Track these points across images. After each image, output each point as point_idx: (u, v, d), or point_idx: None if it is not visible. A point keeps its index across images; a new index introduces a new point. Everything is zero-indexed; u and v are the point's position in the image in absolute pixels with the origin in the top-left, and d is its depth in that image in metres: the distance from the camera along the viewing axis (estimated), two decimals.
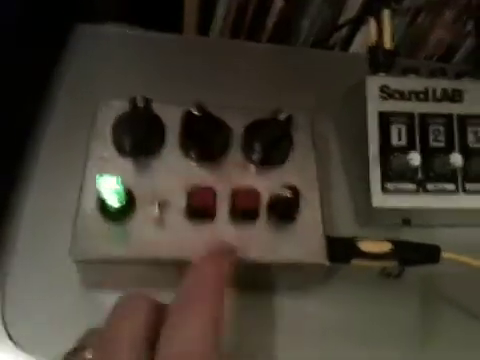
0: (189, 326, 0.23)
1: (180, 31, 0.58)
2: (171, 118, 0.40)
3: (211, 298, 0.26)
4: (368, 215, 0.43)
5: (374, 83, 0.44)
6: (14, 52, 0.45)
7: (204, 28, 0.59)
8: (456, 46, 0.62)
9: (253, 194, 0.37)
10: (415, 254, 0.39)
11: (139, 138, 0.38)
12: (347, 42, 0.62)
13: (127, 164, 0.38)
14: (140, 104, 0.38)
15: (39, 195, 0.42)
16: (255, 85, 0.53)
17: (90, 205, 0.35)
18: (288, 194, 0.36)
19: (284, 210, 0.37)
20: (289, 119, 0.40)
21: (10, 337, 0.35)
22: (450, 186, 0.42)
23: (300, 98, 0.48)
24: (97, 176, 0.31)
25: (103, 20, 0.55)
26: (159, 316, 0.24)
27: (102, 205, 0.35)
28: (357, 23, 0.60)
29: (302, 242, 0.37)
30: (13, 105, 0.42)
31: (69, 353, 0.25)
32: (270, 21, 0.59)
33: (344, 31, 0.61)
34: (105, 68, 0.50)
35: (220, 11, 0.59)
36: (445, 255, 0.39)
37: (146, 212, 0.36)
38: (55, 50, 0.50)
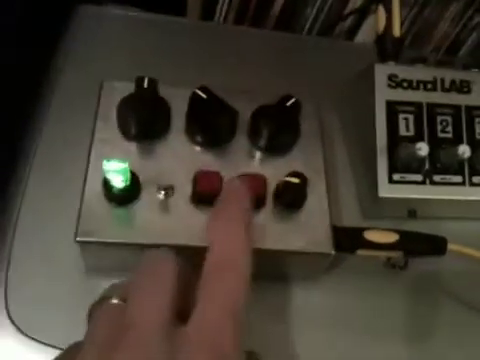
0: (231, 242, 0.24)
1: (184, 15, 0.57)
2: (177, 101, 0.39)
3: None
4: (373, 206, 0.43)
5: (382, 71, 0.43)
6: (17, 34, 0.44)
7: (208, 12, 0.58)
8: (462, 40, 0.62)
9: (260, 181, 0.37)
10: (421, 245, 0.38)
11: (144, 121, 0.37)
12: (352, 31, 0.61)
13: (132, 147, 0.37)
14: (146, 85, 0.37)
15: (41, 178, 0.41)
16: (258, 72, 0.52)
17: (95, 188, 0.34)
18: (296, 181, 0.36)
19: (291, 198, 0.36)
20: (297, 105, 0.39)
21: (13, 322, 0.34)
22: (457, 178, 0.42)
23: (304, 86, 0.47)
24: (104, 161, 0.31)
25: (106, 2, 0.54)
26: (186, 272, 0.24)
27: (107, 188, 0.34)
28: (363, 12, 0.59)
29: (308, 231, 0.37)
30: (16, 86, 0.41)
31: (94, 303, 0.24)
32: (275, 8, 0.58)
33: (350, 20, 0.60)
34: (107, 49, 0.49)
35: None
36: (451, 247, 0.38)
37: (151, 197, 0.35)
38: (57, 30, 0.49)
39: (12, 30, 0.44)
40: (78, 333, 0.23)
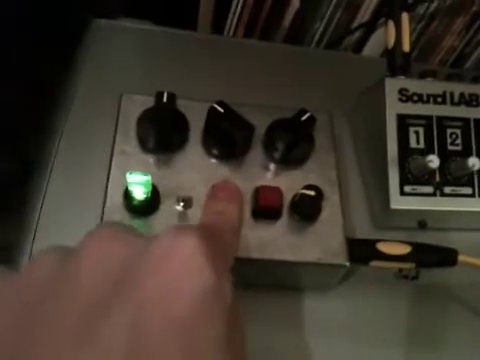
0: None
1: (195, 28, 0.58)
2: (194, 114, 0.40)
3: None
4: (385, 217, 0.44)
5: (393, 85, 0.44)
6: (33, 49, 0.45)
7: (219, 26, 0.59)
8: (468, 53, 0.63)
9: (276, 193, 0.38)
10: (433, 257, 0.39)
11: (164, 134, 0.38)
12: (360, 45, 0.62)
13: (150, 160, 0.38)
14: (165, 99, 0.38)
15: (59, 191, 0.41)
16: (268, 85, 0.53)
17: (116, 199, 0.35)
18: (312, 194, 0.37)
19: (307, 210, 0.37)
20: (311, 119, 0.40)
21: None
22: (467, 190, 0.43)
23: (314, 99, 0.48)
24: (127, 174, 0.31)
25: (119, 16, 0.55)
26: None
27: (128, 200, 0.34)
28: (370, 26, 0.60)
29: (323, 242, 0.37)
30: (33, 102, 0.42)
31: None
32: (285, 22, 0.59)
33: (357, 34, 0.61)
34: (121, 63, 0.50)
35: (235, 10, 0.59)
36: (462, 258, 0.39)
37: (170, 208, 0.36)
38: (73, 45, 0.50)
39: (28, 45, 0.45)
40: None
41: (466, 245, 0.40)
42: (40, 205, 0.40)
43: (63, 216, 0.40)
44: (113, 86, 0.44)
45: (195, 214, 0.36)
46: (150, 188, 0.34)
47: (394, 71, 0.45)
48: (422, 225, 0.44)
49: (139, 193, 0.34)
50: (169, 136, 0.38)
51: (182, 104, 0.39)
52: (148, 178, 0.32)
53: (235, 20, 0.59)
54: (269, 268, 0.37)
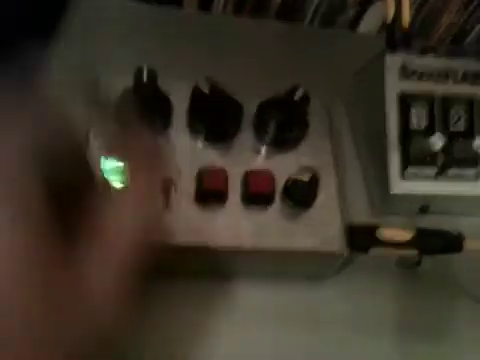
0: None
1: (181, 4, 0.55)
2: (178, 94, 0.37)
3: None
4: (384, 203, 0.41)
5: (393, 62, 0.41)
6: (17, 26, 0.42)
7: (206, 2, 0.56)
8: (467, 30, 0.60)
9: (267, 177, 0.35)
10: (438, 243, 0.37)
11: (144, 116, 0.35)
12: (356, 21, 0.59)
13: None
14: (145, 77, 0.35)
15: None
16: (260, 64, 0.50)
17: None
18: (306, 178, 0.34)
19: (301, 196, 0.34)
20: (305, 98, 0.37)
21: None
22: (471, 172, 0.40)
23: (308, 77, 0.45)
24: (102, 158, 0.28)
25: None
26: None
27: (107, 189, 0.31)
28: (366, 2, 0.57)
29: (319, 229, 0.35)
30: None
31: None
32: None
33: (352, 10, 0.58)
34: (105, 40, 0.47)
35: None
36: (468, 244, 0.37)
37: None
38: (57, 21, 0.46)
39: (12, 23, 0.42)
40: None
41: (470, 231, 0.38)
42: None
43: None
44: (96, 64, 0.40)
45: (180, 201, 0.33)
46: (127, 175, 0.31)
47: (394, 47, 0.42)
48: (424, 210, 0.41)
49: (116, 182, 0.31)
50: (150, 118, 0.35)
51: (165, 83, 0.36)
52: (124, 165, 0.29)
53: None
54: (261, 257, 0.35)
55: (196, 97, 0.36)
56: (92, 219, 0.20)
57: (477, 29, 0.60)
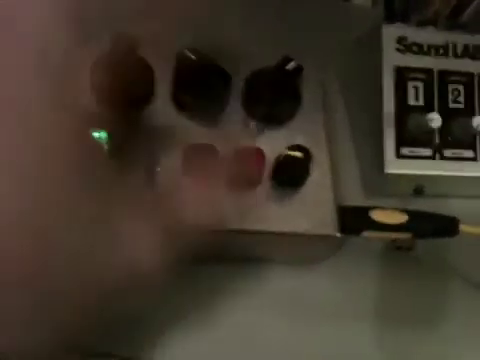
0: None
1: None
2: (161, 63, 0.34)
3: None
4: (378, 183, 0.39)
5: (391, 33, 0.39)
6: None
7: None
8: (465, 3, 0.58)
9: (257, 155, 0.33)
10: (432, 226, 0.35)
11: (124, 87, 0.32)
12: None
13: (112, 118, 0.32)
14: (124, 44, 0.32)
15: None
16: (248, 32, 0.47)
17: None
18: (298, 156, 0.32)
19: (293, 174, 0.33)
20: (298, 69, 0.35)
21: None
22: (469, 153, 0.39)
23: (300, 48, 0.43)
24: None
25: None
26: None
27: None
28: None
29: (310, 211, 0.33)
30: None
31: None
32: None
33: None
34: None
35: None
36: (463, 228, 0.35)
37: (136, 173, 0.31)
38: None
39: None
40: None
41: (466, 213, 0.36)
42: None
43: None
44: None
45: (164, 179, 0.31)
46: (110, 147, 0.28)
47: (392, 17, 0.40)
48: (418, 191, 0.40)
49: None
50: (132, 89, 0.32)
51: (146, 51, 0.33)
52: (104, 135, 0.27)
53: None
54: (249, 240, 0.33)
55: (181, 66, 0.33)
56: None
57: (475, 3, 0.58)
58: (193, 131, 0.33)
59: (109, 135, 0.28)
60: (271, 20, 0.49)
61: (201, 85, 0.33)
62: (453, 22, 0.42)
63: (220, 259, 0.34)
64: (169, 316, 0.34)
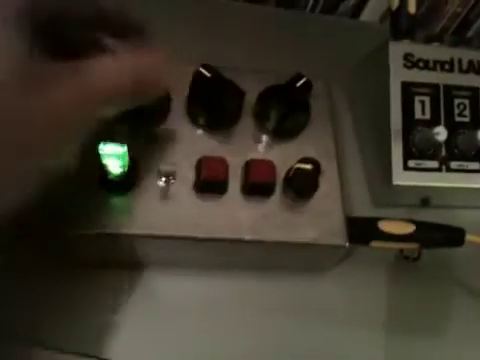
0: None
1: None
2: (178, 79, 0.35)
3: None
4: (386, 194, 0.40)
5: (397, 50, 0.40)
6: None
7: None
8: (471, 20, 0.59)
9: (268, 167, 0.34)
10: (439, 236, 0.36)
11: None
12: (358, 9, 0.58)
13: (128, 131, 0.34)
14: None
15: None
16: (260, 51, 0.48)
17: (90, 175, 0.31)
18: (308, 168, 0.33)
19: (303, 186, 0.34)
20: (307, 86, 0.36)
21: None
22: (474, 165, 0.40)
23: (309, 65, 0.44)
24: (101, 144, 0.27)
25: None
26: None
27: (104, 175, 0.31)
28: None
29: (320, 221, 0.34)
30: None
31: None
32: None
33: None
34: None
35: None
36: (469, 238, 0.36)
37: (150, 184, 0.32)
38: None
39: None
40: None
41: (472, 224, 0.37)
42: None
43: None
44: None
45: (179, 189, 0.33)
46: (127, 161, 0.30)
47: (398, 35, 0.41)
48: (425, 202, 0.41)
49: (115, 167, 0.30)
50: (148, 104, 0.34)
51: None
52: (124, 150, 0.28)
53: None
54: (260, 249, 0.34)
55: (197, 83, 0.35)
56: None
57: None
58: (207, 144, 0.35)
59: (128, 149, 0.29)
60: (282, 38, 0.51)
61: (215, 101, 0.34)
62: (459, 38, 0.44)
63: (232, 266, 0.36)
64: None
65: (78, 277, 0.33)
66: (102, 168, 0.30)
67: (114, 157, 0.29)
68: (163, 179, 0.32)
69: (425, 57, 0.40)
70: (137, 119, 0.33)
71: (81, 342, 0.32)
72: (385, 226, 0.35)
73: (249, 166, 0.34)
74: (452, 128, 0.39)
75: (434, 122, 0.39)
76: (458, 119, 0.40)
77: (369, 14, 0.58)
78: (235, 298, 0.36)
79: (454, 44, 0.43)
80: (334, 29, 0.54)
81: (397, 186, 0.38)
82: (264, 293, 0.36)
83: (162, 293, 0.35)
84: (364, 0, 0.57)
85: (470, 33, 0.60)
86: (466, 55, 0.41)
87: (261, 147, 0.36)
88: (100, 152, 0.28)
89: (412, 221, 0.36)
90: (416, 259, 0.39)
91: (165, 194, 0.32)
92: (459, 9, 0.58)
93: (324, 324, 0.36)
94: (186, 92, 0.35)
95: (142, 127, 0.33)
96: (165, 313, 0.34)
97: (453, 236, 0.36)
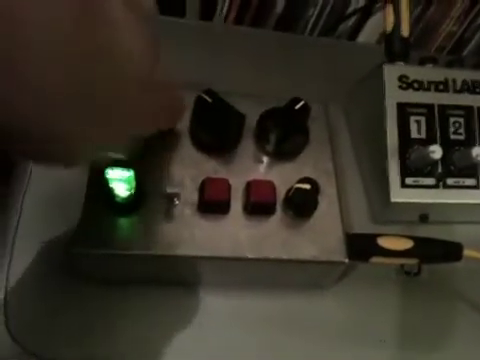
0: None
1: (183, 15, 0.56)
2: None
3: None
4: (384, 211, 0.41)
5: (392, 72, 0.42)
6: None
7: (208, 12, 0.56)
8: (466, 39, 0.61)
9: (269, 187, 0.35)
10: (437, 252, 0.37)
11: None
12: (355, 32, 0.60)
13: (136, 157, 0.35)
14: None
15: (39, 189, 0.39)
16: (260, 74, 0.50)
17: (96, 196, 0.33)
18: (307, 188, 0.34)
19: (302, 205, 0.35)
20: (305, 108, 0.37)
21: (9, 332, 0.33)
22: (471, 181, 0.41)
23: (308, 88, 0.46)
24: (108, 169, 0.29)
25: None
26: None
27: (109, 197, 0.32)
28: (366, 12, 0.58)
29: (320, 239, 0.35)
30: None
31: None
32: (277, 8, 0.56)
33: (352, 20, 0.59)
34: None
35: None
36: (467, 253, 0.37)
37: (155, 205, 0.33)
38: None
39: None
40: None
41: (470, 239, 0.38)
42: (20, 205, 0.38)
43: (45, 216, 0.38)
44: None
45: (183, 210, 0.34)
46: (133, 184, 0.31)
47: (393, 57, 0.43)
48: (423, 219, 0.42)
49: (122, 190, 0.31)
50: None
51: None
52: (131, 173, 0.30)
53: (225, 6, 0.56)
54: (262, 267, 0.35)
55: (199, 107, 0.36)
56: None
57: (477, 38, 0.61)
58: (209, 166, 0.36)
59: (135, 173, 0.30)
60: (280, 62, 0.52)
61: (216, 124, 0.35)
62: (454, 58, 0.45)
63: (233, 283, 0.37)
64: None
65: (82, 294, 0.34)
66: (109, 191, 0.31)
67: (121, 181, 0.30)
68: (167, 200, 0.33)
69: (419, 78, 0.42)
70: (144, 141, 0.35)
71: None
72: (384, 242, 0.36)
73: (250, 186, 0.35)
74: (448, 146, 0.40)
75: (430, 140, 0.40)
76: (453, 137, 0.41)
77: (366, 36, 0.60)
78: (235, 315, 0.36)
79: (449, 64, 0.44)
80: (332, 51, 0.56)
81: (395, 203, 0.39)
82: (265, 310, 0.37)
83: (166, 310, 0.36)
84: (361, 23, 0.59)
85: (466, 52, 0.62)
86: (460, 75, 0.43)
87: (262, 168, 0.37)
88: (107, 176, 0.29)
89: (410, 237, 0.36)
90: (417, 274, 0.40)
91: (170, 215, 0.34)
92: (454, 28, 0.60)
93: (324, 339, 0.37)
94: (189, 116, 0.37)
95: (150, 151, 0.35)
96: (164, 330, 0.35)
97: (451, 251, 0.37)
